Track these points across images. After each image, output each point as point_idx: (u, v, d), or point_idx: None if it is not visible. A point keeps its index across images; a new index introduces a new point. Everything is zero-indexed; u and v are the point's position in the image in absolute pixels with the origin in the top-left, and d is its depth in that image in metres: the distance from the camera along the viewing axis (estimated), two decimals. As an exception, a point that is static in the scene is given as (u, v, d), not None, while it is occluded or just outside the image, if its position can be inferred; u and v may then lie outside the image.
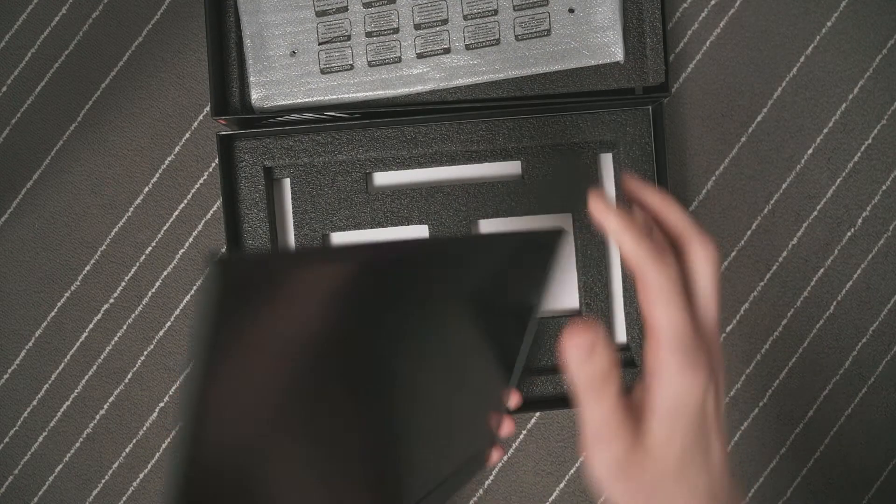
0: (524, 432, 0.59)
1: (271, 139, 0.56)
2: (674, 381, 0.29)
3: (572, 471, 0.59)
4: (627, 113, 0.56)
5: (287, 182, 0.58)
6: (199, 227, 0.59)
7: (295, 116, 0.54)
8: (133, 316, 0.59)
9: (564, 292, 0.58)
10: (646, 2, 0.55)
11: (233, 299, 0.24)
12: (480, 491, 0.59)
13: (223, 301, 0.24)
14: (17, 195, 0.59)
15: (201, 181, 0.59)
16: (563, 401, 0.56)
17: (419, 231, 0.58)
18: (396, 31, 0.55)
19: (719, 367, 0.31)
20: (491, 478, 0.59)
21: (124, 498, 0.58)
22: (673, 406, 0.29)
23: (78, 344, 0.59)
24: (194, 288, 0.59)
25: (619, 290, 0.58)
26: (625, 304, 0.57)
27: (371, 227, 0.57)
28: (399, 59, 0.55)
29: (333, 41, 0.55)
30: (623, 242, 0.30)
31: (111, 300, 0.59)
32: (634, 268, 0.30)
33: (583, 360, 0.29)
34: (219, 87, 0.55)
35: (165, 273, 0.59)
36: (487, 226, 0.58)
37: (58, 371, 0.58)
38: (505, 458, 0.59)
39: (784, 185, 0.59)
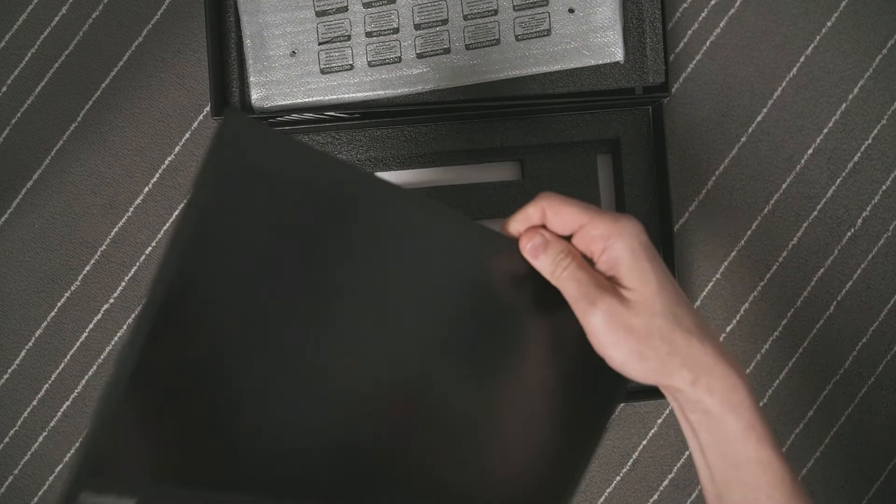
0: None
1: (271, 139, 0.56)
2: (614, 230, 0.36)
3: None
4: (627, 113, 0.56)
5: (287, 182, 0.58)
6: (199, 227, 0.59)
7: (295, 116, 0.54)
8: (133, 316, 0.59)
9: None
10: (646, 2, 0.55)
11: (239, 164, 0.29)
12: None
13: (230, 163, 0.29)
14: (17, 195, 0.59)
15: (201, 181, 0.59)
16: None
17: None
18: (396, 31, 0.55)
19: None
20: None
21: (124, 498, 0.58)
22: (628, 249, 0.35)
23: (78, 344, 0.59)
24: (194, 288, 0.59)
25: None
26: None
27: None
28: (399, 59, 0.55)
29: (333, 41, 0.55)
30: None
31: (111, 300, 0.59)
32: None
33: (542, 251, 0.36)
34: (219, 87, 0.55)
35: (165, 273, 0.59)
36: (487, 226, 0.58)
37: (58, 371, 0.58)
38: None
39: (784, 185, 0.59)
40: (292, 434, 0.31)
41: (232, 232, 0.29)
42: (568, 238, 0.38)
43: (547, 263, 0.36)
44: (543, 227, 0.38)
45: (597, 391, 0.41)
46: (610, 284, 0.36)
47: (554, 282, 0.37)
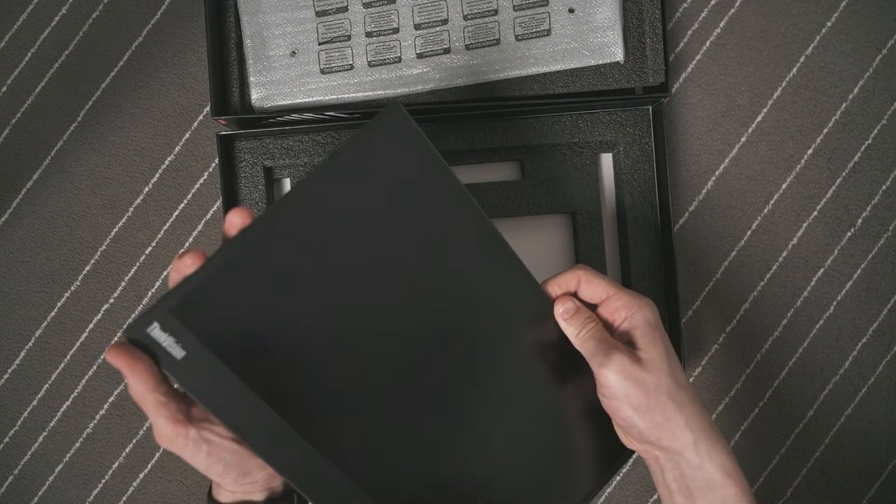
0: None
1: (271, 139, 0.56)
2: (636, 303, 0.42)
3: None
4: (627, 113, 0.56)
5: (287, 182, 0.58)
6: (199, 227, 0.59)
7: (295, 116, 0.54)
8: (133, 316, 0.59)
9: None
10: (646, 2, 0.55)
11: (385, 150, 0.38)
12: None
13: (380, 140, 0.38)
14: (17, 195, 0.59)
15: (201, 181, 0.59)
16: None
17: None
18: (396, 31, 0.55)
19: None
20: None
21: (124, 498, 0.58)
22: (645, 320, 0.42)
23: (78, 344, 0.59)
24: (194, 288, 0.59)
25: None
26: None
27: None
28: (399, 59, 0.55)
29: (333, 41, 0.55)
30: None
31: (111, 300, 0.59)
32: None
33: (571, 314, 0.43)
34: (219, 87, 0.55)
35: (165, 273, 0.59)
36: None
37: (58, 371, 0.58)
38: None
39: (784, 185, 0.59)
40: (349, 370, 0.38)
41: (347, 195, 0.37)
42: (592, 307, 0.44)
43: (574, 326, 0.43)
44: (575, 294, 0.44)
45: (597, 455, 0.46)
46: (625, 346, 0.41)
47: (577, 343, 0.43)
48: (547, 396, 0.44)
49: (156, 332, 0.34)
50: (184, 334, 0.34)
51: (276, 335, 0.36)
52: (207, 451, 0.36)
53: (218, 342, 0.35)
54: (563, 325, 0.43)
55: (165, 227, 0.59)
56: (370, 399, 0.39)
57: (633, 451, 0.45)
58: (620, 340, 0.42)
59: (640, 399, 0.40)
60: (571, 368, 0.44)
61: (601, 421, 0.44)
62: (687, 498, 0.41)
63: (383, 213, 0.38)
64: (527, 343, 0.43)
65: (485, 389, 0.42)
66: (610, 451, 0.45)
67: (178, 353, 0.34)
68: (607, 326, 0.43)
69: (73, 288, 0.59)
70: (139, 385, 0.34)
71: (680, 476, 0.41)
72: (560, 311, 0.43)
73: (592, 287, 0.43)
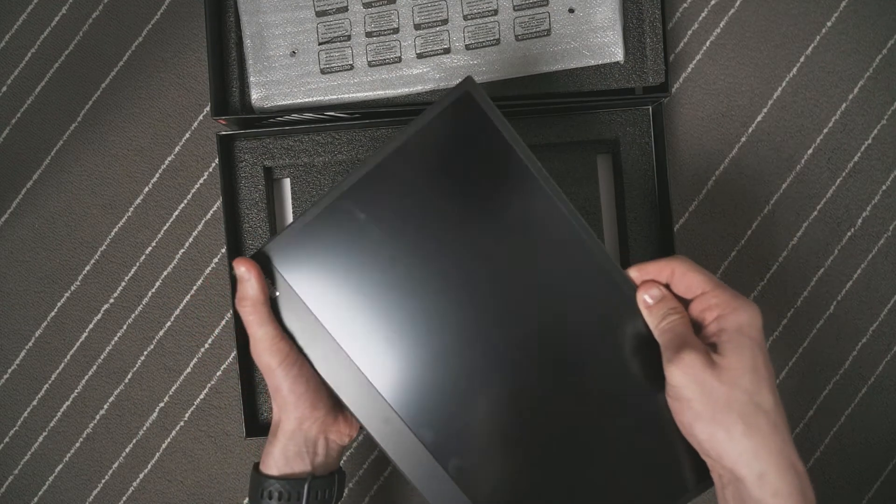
0: None
1: (271, 139, 0.56)
2: (734, 304, 0.37)
3: None
4: (627, 113, 0.56)
5: (287, 182, 0.58)
6: (199, 227, 0.59)
7: (295, 116, 0.54)
8: (133, 316, 0.59)
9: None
10: (646, 2, 0.55)
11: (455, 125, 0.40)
12: None
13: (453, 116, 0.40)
14: (17, 195, 0.59)
15: (201, 181, 0.59)
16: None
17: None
18: (396, 31, 0.55)
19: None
20: None
21: (124, 498, 0.58)
22: (738, 324, 0.36)
23: (78, 344, 0.59)
24: (194, 288, 0.59)
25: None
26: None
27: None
28: (399, 59, 0.55)
29: (333, 41, 0.55)
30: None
31: (111, 300, 0.59)
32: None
33: (656, 302, 0.39)
34: (219, 87, 0.55)
35: (165, 273, 0.59)
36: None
37: (58, 371, 0.58)
38: None
39: (784, 185, 0.59)
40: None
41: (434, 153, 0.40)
42: (685, 304, 0.40)
43: (656, 316, 0.39)
44: (666, 286, 0.40)
45: (679, 472, 0.41)
46: (704, 346, 0.37)
47: (656, 332, 0.39)
48: (627, 401, 0.41)
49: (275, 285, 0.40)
50: (279, 276, 0.40)
51: (361, 288, 0.40)
52: (298, 370, 0.40)
53: (307, 287, 0.40)
54: (644, 313, 0.40)
55: (165, 227, 0.59)
56: (446, 363, 0.40)
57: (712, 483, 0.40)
58: (706, 343, 0.38)
59: (703, 408, 0.35)
60: (655, 367, 0.40)
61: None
62: None
63: (462, 186, 0.40)
64: (615, 338, 0.41)
65: (568, 383, 0.41)
66: (691, 470, 0.41)
67: (272, 292, 0.40)
68: (696, 326, 0.39)
69: (73, 288, 0.59)
70: (257, 291, 0.39)
71: (740, 500, 0.36)
72: (643, 299, 0.39)
73: (687, 280, 0.39)
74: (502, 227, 0.40)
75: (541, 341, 0.41)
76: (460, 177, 0.40)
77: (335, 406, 0.43)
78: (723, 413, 0.35)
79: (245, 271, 0.39)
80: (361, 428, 0.42)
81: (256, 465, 0.44)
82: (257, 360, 0.41)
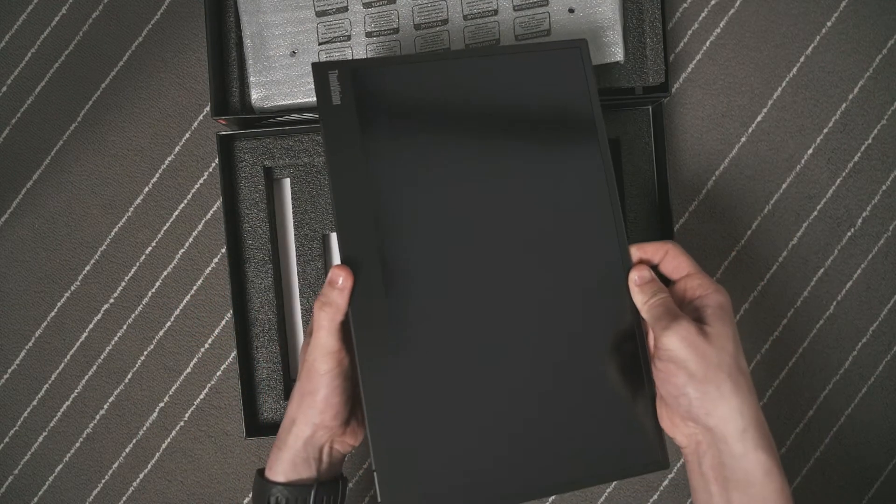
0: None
1: (271, 139, 0.56)
2: (714, 287, 0.42)
3: None
4: (627, 113, 0.56)
5: (287, 182, 0.58)
6: (199, 227, 0.59)
7: (295, 116, 0.54)
8: (133, 316, 0.59)
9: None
10: (646, 2, 0.55)
11: None
12: None
13: None
14: (17, 195, 0.59)
15: (201, 181, 0.59)
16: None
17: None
18: (396, 31, 0.55)
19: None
20: None
21: (124, 498, 0.58)
22: (718, 302, 0.42)
23: (78, 344, 0.59)
24: (194, 288, 0.59)
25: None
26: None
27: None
28: (399, 59, 0.55)
29: (333, 41, 0.55)
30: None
31: (111, 300, 0.59)
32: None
33: (646, 282, 0.44)
34: (219, 87, 0.55)
35: (165, 273, 0.59)
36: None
37: (58, 371, 0.58)
38: None
39: (784, 185, 0.59)
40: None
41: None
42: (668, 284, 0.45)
43: (646, 294, 0.43)
44: (656, 266, 0.45)
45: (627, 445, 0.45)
46: (692, 319, 0.41)
47: (644, 310, 0.43)
48: (596, 364, 0.44)
49: (333, 76, 0.44)
50: (347, 89, 0.44)
51: (409, 140, 0.45)
52: (340, 381, 0.42)
53: (367, 105, 0.44)
54: (634, 290, 0.44)
55: (165, 227, 0.59)
56: (443, 245, 0.44)
57: (665, 466, 0.44)
58: (689, 316, 0.42)
59: (698, 368, 0.39)
60: (626, 343, 0.45)
61: (641, 411, 0.44)
62: (723, 488, 0.40)
63: (530, 115, 0.46)
64: (594, 300, 0.45)
65: (541, 323, 0.44)
66: (642, 447, 0.44)
67: (336, 98, 0.44)
68: (678, 303, 0.44)
69: (73, 288, 0.59)
70: (343, 304, 0.41)
71: (719, 465, 0.40)
72: (634, 278, 0.44)
73: (676, 262, 0.44)
74: (546, 168, 0.45)
75: (528, 282, 0.44)
76: (534, 107, 0.46)
77: (348, 417, 0.44)
78: (714, 372, 0.39)
79: (343, 280, 0.41)
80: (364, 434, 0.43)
81: (261, 472, 0.45)
82: (308, 360, 0.42)
